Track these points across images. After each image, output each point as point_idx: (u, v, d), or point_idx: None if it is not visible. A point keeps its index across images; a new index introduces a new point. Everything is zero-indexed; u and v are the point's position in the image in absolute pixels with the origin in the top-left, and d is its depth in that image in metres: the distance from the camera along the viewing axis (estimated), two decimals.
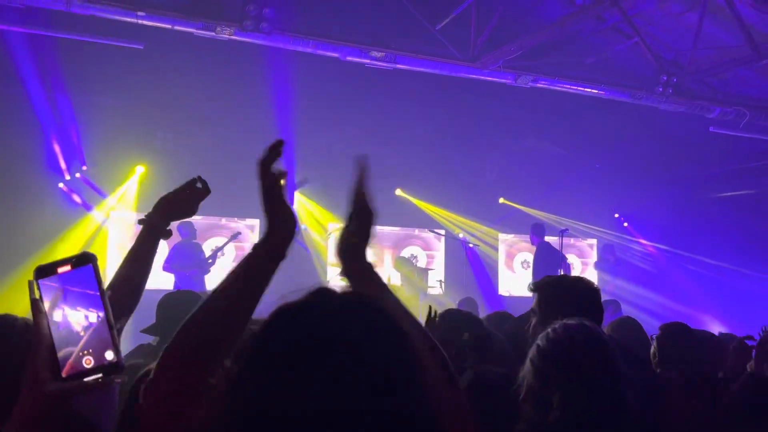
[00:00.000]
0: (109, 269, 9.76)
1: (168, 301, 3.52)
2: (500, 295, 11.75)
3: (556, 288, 2.65)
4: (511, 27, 8.51)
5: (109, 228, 9.92)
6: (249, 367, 0.90)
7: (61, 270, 1.09)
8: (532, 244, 9.76)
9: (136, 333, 3.17)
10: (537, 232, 9.72)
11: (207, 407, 0.95)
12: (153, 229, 1.95)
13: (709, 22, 7.75)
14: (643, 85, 8.57)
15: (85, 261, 1.10)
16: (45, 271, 1.09)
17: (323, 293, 0.97)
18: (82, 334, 1.07)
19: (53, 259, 1.11)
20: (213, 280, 9.33)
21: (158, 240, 1.96)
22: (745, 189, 10.95)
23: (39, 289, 1.08)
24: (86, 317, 1.08)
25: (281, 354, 0.88)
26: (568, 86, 8.63)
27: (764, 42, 7.77)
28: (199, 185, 1.98)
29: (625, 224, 12.70)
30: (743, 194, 10.97)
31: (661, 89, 8.35)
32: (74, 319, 1.08)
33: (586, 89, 8.70)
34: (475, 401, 2.20)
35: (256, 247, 1.22)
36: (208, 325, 1.16)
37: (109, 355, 1.08)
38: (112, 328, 1.09)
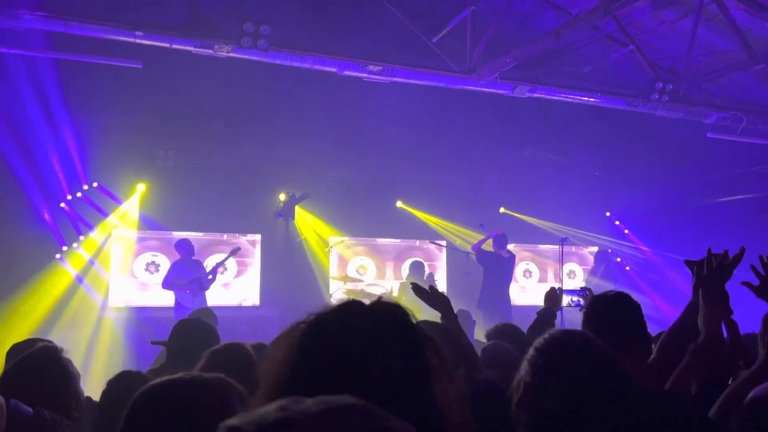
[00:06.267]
0: (111, 289, 9.77)
1: (180, 330, 3.64)
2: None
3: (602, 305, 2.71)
4: (507, 38, 8.56)
5: (111, 246, 9.93)
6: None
7: None
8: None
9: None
10: (499, 242, 9.97)
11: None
12: None
13: (703, 28, 7.79)
14: (639, 93, 8.60)
15: None
16: None
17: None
18: None
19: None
20: (213, 295, 9.34)
21: None
22: (745, 193, 10.95)
23: None
24: None
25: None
26: (565, 95, 8.66)
27: (760, 46, 7.82)
28: None
29: (626, 231, 12.70)
30: (744, 198, 10.97)
31: (657, 96, 8.38)
32: None
33: (582, 98, 8.74)
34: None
35: None
36: None
37: None
38: None
